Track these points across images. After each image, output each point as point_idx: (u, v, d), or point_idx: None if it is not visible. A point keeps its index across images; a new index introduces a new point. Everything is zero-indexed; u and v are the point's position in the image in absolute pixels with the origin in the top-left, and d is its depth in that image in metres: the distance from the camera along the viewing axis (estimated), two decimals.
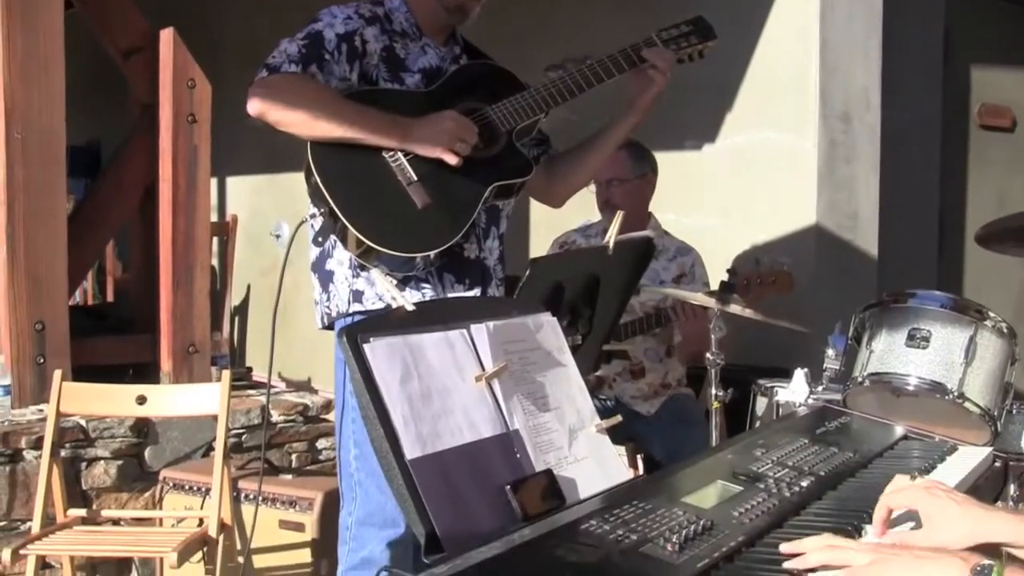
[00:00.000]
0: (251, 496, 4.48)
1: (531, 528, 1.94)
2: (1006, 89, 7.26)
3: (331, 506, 4.24)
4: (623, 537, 1.89)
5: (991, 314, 3.54)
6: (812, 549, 1.89)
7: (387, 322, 2.22)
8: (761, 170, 5.71)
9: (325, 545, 4.31)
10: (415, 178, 3.12)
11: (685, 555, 1.86)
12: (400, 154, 3.14)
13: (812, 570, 1.85)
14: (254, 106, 3.12)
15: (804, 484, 2.37)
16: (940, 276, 6.50)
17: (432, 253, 3.12)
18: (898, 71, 6.02)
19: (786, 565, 1.88)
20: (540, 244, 5.93)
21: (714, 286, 4.42)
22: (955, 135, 6.96)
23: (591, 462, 2.33)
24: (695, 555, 1.87)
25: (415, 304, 2.22)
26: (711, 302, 4.16)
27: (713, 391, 4.11)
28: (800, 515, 2.22)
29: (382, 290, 2.27)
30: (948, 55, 6.68)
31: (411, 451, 1.96)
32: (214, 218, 7.05)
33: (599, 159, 3.60)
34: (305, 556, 4.48)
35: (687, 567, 1.82)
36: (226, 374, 4.18)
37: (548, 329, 2.43)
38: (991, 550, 1.77)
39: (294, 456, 5.43)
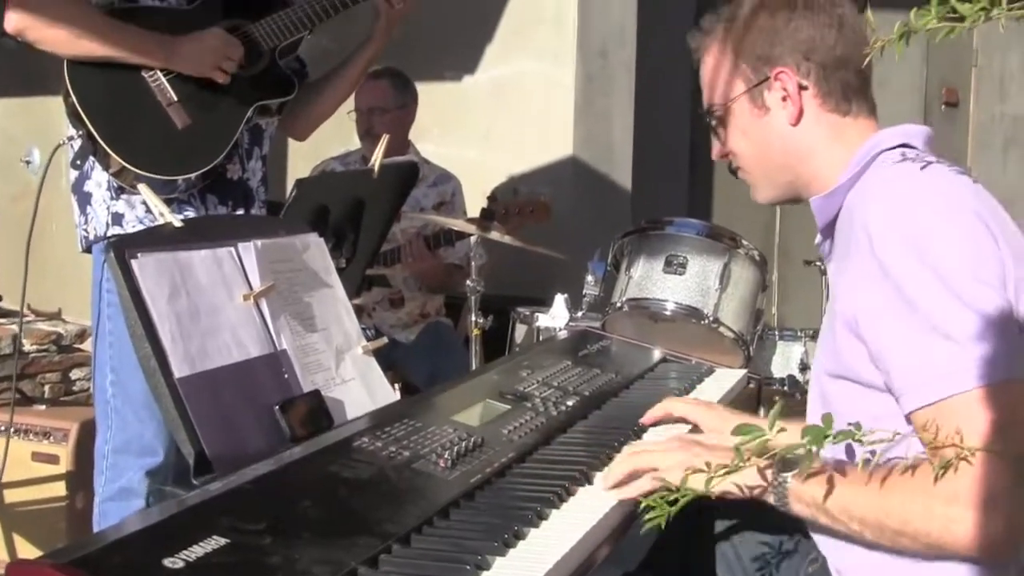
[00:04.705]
0: (2, 428, 4.34)
1: (303, 447, 1.93)
2: None
3: (87, 437, 4.12)
4: (395, 454, 1.90)
5: (744, 242, 3.65)
6: (617, 464, 1.94)
7: (155, 238, 2.17)
8: (520, 102, 5.74)
9: (81, 477, 4.19)
10: (175, 98, 3.05)
11: (457, 471, 1.89)
12: (160, 74, 3.05)
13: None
14: (12, 22, 2.98)
15: (570, 403, 2.43)
16: (691, 206, 6.65)
17: (193, 175, 3.06)
18: (656, 7, 6.11)
19: (604, 491, 1.91)
20: (299, 173, 5.86)
21: (473, 215, 4.44)
22: None
23: (358, 384, 2.34)
24: (467, 471, 1.91)
25: (183, 220, 2.18)
26: (472, 228, 4.18)
27: (473, 318, 4.15)
28: (567, 432, 2.28)
29: (152, 206, 2.21)
30: None
31: (179, 369, 1.93)
32: None
33: (343, 89, 3.56)
34: (60, 489, 4.34)
35: (459, 482, 1.85)
36: None
37: (315, 250, 2.41)
38: None
39: (47, 387, 5.24)
